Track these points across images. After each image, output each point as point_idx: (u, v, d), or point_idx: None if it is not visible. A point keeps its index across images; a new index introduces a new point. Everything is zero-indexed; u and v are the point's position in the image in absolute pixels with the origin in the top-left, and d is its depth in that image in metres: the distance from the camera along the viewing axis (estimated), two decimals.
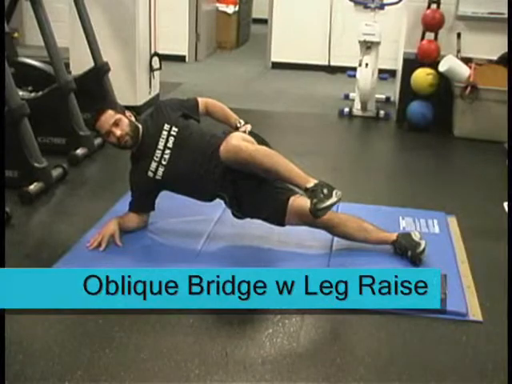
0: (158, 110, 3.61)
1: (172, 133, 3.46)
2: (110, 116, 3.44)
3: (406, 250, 3.37)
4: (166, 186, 3.50)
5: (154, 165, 3.43)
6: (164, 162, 3.43)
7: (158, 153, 3.43)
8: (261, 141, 3.41)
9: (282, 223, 3.39)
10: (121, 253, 3.41)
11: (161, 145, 3.44)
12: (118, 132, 3.42)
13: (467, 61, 5.84)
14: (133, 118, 3.55)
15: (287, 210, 3.31)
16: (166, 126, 3.47)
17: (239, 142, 3.17)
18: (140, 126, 3.53)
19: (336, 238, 3.55)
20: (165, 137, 3.45)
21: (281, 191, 3.35)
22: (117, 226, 3.44)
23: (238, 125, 3.64)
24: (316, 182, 3.07)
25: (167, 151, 3.43)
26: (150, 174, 3.44)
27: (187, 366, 2.57)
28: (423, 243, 3.36)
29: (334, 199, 3.02)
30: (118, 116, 3.45)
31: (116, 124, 3.43)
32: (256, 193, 3.33)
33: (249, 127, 3.60)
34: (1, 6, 4.38)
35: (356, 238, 3.44)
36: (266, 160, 3.12)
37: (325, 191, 3.02)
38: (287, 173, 3.14)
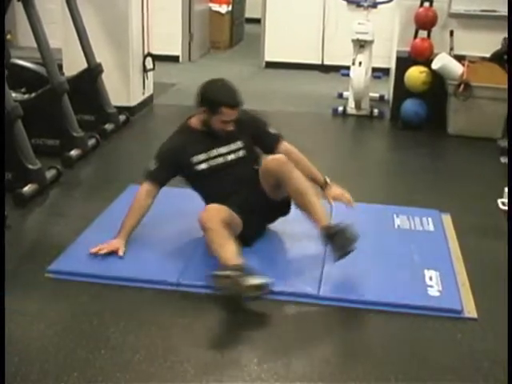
0: (248, 120, 3.58)
1: (238, 152, 3.50)
2: (236, 113, 3.43)
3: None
4: (193, 176, 3.53)
5: (202, 157, 3.47)
6: (212, 164, 3.47)
7: (214, 153, 3.48)
8: None
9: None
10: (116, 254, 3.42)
11: (222, 150, 3.48)
12: (230, 128, 3.43)
13: (460, 58, 5.85)
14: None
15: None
16: (239, 144, 3.51)
17: (285, 157, 3.34)
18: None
19: None
20: (231, 149, 3.49)
21: None
22: (123, 243, 3.40)
23: (328, 180, 3.60)
24: (334, 225, 3.19)
25: (221, 160, 3.48)
26: (194, 159, 3.46)
27: (183, 366, 2.57)
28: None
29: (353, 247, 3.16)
30: (233, 119, 3.43)
31: (233, 121, 3.44)
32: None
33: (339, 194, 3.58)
34: (1, 6, 4.36)
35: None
36: (301, 181, 3.31)
37: (347, 235, 3.16)
38: (312, 203, 3.28)
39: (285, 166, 3.31)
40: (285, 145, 3.62)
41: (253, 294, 2.88)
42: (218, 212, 3.25)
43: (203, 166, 3.48)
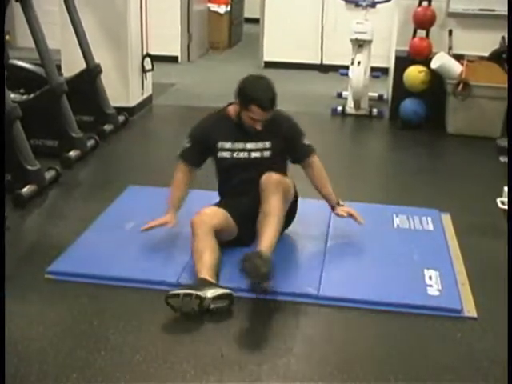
0: (285, 127, 3.55)
1: (264, 152, 3.48)
2: (268, 114, 3.40)
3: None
4: (216, 162, 3.56)
5: (227, 145, 3.48)
6: (234, 155, 3.48)
7: (240, 146, 3.48)
8: None
9: None
10: (116, 254, 3.41)
11: (248, 145, 3.47)
12: (258, 127, 3.40)
13: (459, 58, 5.85)
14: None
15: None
16: (268, 144, 3.49)
17: (280, 180, 3.32)
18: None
19: (331, 231, 3.69)
20: (257, 147, 3.48)
21: None
22: (173, 216, 3.48)
23: (341, 202, 3.63)
24: (267, 255, 3.01)
25: (245, 154, 3.48)
26: (219, 145, 3.49)
27: (183, 366, 2.56)
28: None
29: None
30: (269, 115, 3.40)
31: (263, 121, 3.41)
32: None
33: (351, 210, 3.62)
34: (1, 7, 4.35)
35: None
36: (274, 205, 3.22)
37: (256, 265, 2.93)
38: (268, 226, 3.17)
39: (271, 187, 3.26)
40: (313, 159, 3.60)
41: (218, 305, 2.91)
42: (210, 218, 3.27)
43: (225, 154, 3.50)
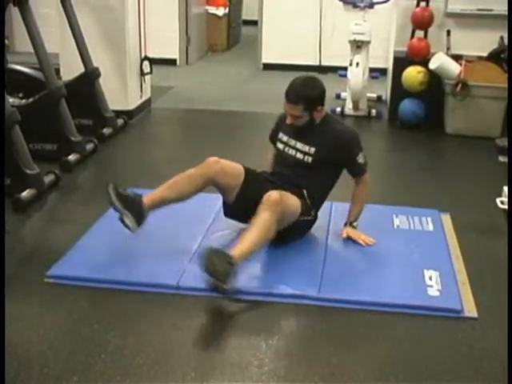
0: (340, 141, 3.54)
1: (306, 157, 3.54)
2: (294, 109, 3.48)
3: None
4: (276, 148, 3.74)
5: (284, 139, 3.64)
6: (285, 150, 3.62)
7: (292, 143, 3.60)
8: None
9: None
10: (116, 257, 3.41)
11: (298, 145, 3.57)
12: (289, 120, 3.55)
13: (457, 58, 5.85)
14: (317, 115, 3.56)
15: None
16: (311, 151, 3.54)
17: (279, 199, 3.28)
18: (313, 120, 3.55)
19: (331, 232, 3.73)
20: (303, 149, 3.55)
21: None
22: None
23: (354, 224, 3.66)
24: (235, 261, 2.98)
25: (293, 152, 3.59)
26: (280, 135, 3.68)
27: (183, 369, 2.56)
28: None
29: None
30: (298, 113, 3.48)
31: (294, 116, 3.50)
32: None
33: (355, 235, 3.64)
34: (1, 7, 4.35)
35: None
36: (262, 220, 3.19)
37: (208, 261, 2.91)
38: (249, 234, 3.17)
39: (267, 204, 3.22)
40: (363, 177, 3.63)
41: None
42: (219, 166, 3.50)
43: (280, 145, 3.67)
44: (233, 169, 3.57)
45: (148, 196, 3.48)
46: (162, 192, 3.50)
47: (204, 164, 3.53)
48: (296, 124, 3.52)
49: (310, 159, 3.53)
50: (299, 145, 3.56)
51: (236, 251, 3.05)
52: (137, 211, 3.39)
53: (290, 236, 3.52)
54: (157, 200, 3.48)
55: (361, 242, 3.58)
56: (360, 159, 3.56)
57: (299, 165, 3.56)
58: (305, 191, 3.54)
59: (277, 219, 3.22)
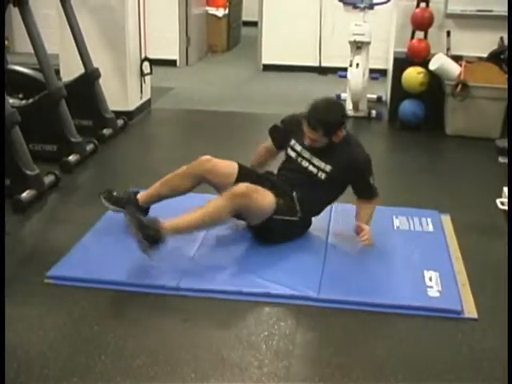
0: (355, 164, 3.53)
1: (319, 173, 3.53)
2: (314, 134, 3.44)
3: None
4: (286, 154, 3.71)
5: (297, 148, 3.61)
6: (297, 160, 3.59)
7: (306, 155, 3.57)
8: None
9: None
10: (116, 258, 3.41)
11: (315, 160, 3.53)
12: (307, 141, 3.51)
13: (457, 59, 5.85)
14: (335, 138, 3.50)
15: None
16: (327, 168, 3.52)
17: (242, 190, 3.36)
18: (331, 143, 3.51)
19: (331, 232, 3.72)
20: (318, 164, 3.53)
21: None
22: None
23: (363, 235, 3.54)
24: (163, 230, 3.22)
25: (305, 164, 3.56)
26: (292, 142, 3.64)
27: (183, 370, 2.56)
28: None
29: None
30: (317, 138, 3.45)
31: (312, 139, 3.47)
32: None
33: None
34: (1, 8, 4.35)
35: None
36: (213, 203, 3.36)
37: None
38: (195, 210, 3.35)
39: (229, 193, 3.33)
40: (372, 200, 3.62)
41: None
42: (211, 163, 3.59)
43: (292, 153, 3.64)
44: (225, 167, 3.61)
45: (143, 193, 3.73)
46: (157, 188, 3.70)
47: (196, 162, 3.64)
48: (314, 146, 3.50)
49: (323, 176, 3.52)
50: (315, 160, 3.54)
51: (169, 222, 3.24)
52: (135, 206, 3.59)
53: (273, 235, 3.54)
54: (152, 195, 3.73)
55: (362, 239, 3.50)
56: (372, 181, 3.56)
57: (309, 177, 3.55)
58: (294, 193, 3.54)
59: (233, 209, 3.31)
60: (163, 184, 3.69)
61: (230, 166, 3.64)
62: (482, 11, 6.00)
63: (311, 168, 3.55)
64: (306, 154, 3.57)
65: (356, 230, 3.54)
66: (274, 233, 3.54)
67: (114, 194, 3.74)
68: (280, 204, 3.46)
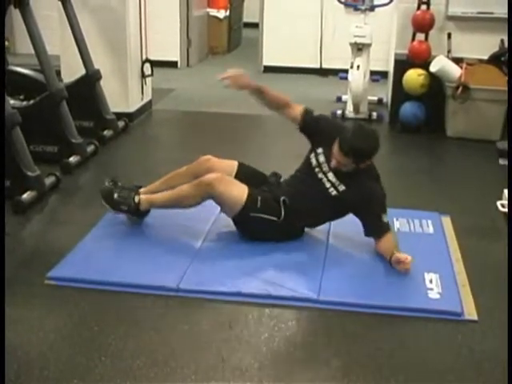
0: (367, 195, 3.48)
1: (332, 189, 3.50)
2: (343, 159, 3.40)
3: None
4: (306, 158, 3.69)
5: (321, 158, 3.56)
6: (316, 171, 3.55)
7: (325, 169, 3.53)
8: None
9: None
10: (116, 259, 3.41)
11: (331, 175, 3.51)
12: (332, 163, 3.47)
13: (458, 61, 5.85)
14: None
15: None
16: (341, 188, 3.49)
17: (213, 178, 3.50)
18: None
19: (331, 233, 3.71)
20: (334, 182, 3.50)
21: None
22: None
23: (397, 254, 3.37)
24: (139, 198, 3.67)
25: (321, 177, 3.53)
26: (318, 150, 3.58)
27: (183, 372, 2.56)
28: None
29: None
30: (345, 163, 3.42)
31: (339, 162, 3.43)
32: None
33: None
34: (1, 8, 4.35)
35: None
36: (181, 188, 3.61)
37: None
38: (169, 199, 3.66)
39: (199, 180, 3.49)
40: (388, 236, 3.45)
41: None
42: (209, 163, 3.68)
43: (313, 160, 3.60)
44: (225, 166, 3.66)
45: (144, 189, 3.80)
46: (157, 186, 3.78)
47: (195, 162, 3.73)
48: (338, 169, 3.45)
49: (334, 193, 3.50)
50: (331, 175, 3.51)
51: (145, 197, 3.66)
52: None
53: (251, 231, 3.58)
54: (152, 192, 3.75)
55: (402, 267, 3.30)
56: (384, 219, 3.47)
57: (319, 189, 3.53)
58: (283, 197, 3.52)
59: (199, 196, 3.50)
60: (163, 183, 3.77)
61: (229, 165, 3.68)
62: (483, 13, 6.00)
63: (325, 181, 3.52)
64: (325, 168, 3.53)
65: (396, 261, 3.31)
66: (252, 229, 3.57)
67: (119, 184, 3.80)
68: (255, 200, 3.48)
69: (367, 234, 3.52)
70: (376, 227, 3.48)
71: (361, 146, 3.38)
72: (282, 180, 3.75)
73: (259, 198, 3.50)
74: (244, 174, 3.64)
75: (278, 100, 3.75)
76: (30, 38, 4.70)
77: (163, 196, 3.64)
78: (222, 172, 3.58)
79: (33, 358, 2.63)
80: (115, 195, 3.67)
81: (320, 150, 3.59)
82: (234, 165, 3.69)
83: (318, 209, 3.58)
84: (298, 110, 3.71)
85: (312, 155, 3.62)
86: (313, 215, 3.62)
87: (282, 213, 3.51)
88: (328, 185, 3.52)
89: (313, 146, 3.66)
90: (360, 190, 3.47)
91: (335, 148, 3.41)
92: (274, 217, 3.51)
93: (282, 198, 3.53)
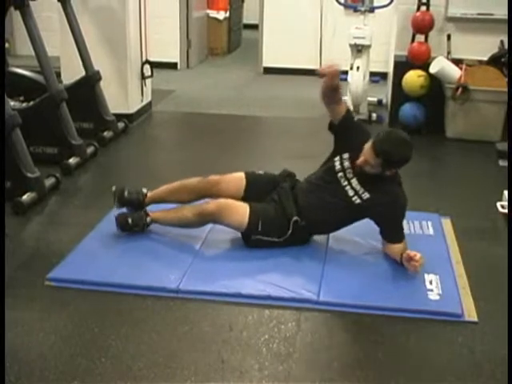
0: (386, 206, 3.44)
1: (355, 197, 3.45)
2: (372, 158, 3.35)
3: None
4: (328, 160, 3.68)
5: (346, 164, 3.52)
6: (338, 176, 3.50)
7: (349, 175, 3.48)
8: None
9: None
10: (116, 260, 3.42)
11: (354, 182, 3.47)
12: (359, 162, 3.41)
13: (458, 62, 5.85)
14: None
15: None
16: (364, 196, 3.45)
17: (215, 205, 3.53)
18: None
19: (331, 235, 3.69)
20: (357, 189, 3.46)
21: None
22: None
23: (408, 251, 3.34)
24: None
25: (344, 183, 3.48)
26: (345, 156, 3.54)
27: (183, 373, 2.56)
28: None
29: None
30: (373, 164, 3.36)
31: (367, 162, 3.37)
32: None
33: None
34: (1, 8, 4.35)
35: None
36: (185, 209, 3.66)
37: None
38: (176, 209, 3.71)
39: (197, 210, 3.54)
40: (401, 245, 3.43)
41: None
42: (219, 186, 3.66)
43: (337, 164, 3.56)
44: (233, 186, 3.66)
45: (151, 194, 3.82)
46: (164, 193, 3.78)
47: (206, 182, 3.71)
48: (364, 169, 3.41)
49: (357, 201, 3.46)
50: (355, 182, 3.47)
51: (153, 215, 3.68)
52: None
53: (256, 246, 3.56)
54: (157, 198, 3.79)
55: (413, 264, 3.26)
56: (403, 226, 3.49)
57: (341, 198, 3.48)
58: (295, 218, 3.48)
59: (200, 223, 3.57)
60: (170, 193, 3.77)
61: (237, 184, 3.67)
62: (483, 15, 6.00)
63: (348, 188, 3.48)
64: (349, 174, 3.49)
65: (406, 258, 3.28)
66: (255, 244, 3.55)
67: (125, 193, 3.80)
68: (256, 224, 3.46)
69: (385, 238, 3.52)
70: (394, 233, 3.48)
71: (393, 151, 3.34)
72: (297, 184, 3.68)
73: (260, 221, 3.47)
74: (253, 186, 3.66)
75: (339, 95, 3.61)
76: (30, 39, 4.71)
77: (168, 217, 3.65)
78: (232, 191, 3.61)
79: (33, 359, 2.64)
80: (129, 220, 3.63)
81: (346, 156, 3.54)
82: (241, 180, 3.67)
83: (337, 218, 3.54)
84: (343, 107, 3.64)
85: (336, 159, 3.58)
86: (330, 224, 3.60)
87: (288, 232, 3.49)
88: (351, 193, 3.46)
89: (338, 150, 3.60)
90: (384, 195, 3.44)
91: (367, 145, 3.37)
92: (276, 238, 3.51)
93: (294, 219, 3.47)
